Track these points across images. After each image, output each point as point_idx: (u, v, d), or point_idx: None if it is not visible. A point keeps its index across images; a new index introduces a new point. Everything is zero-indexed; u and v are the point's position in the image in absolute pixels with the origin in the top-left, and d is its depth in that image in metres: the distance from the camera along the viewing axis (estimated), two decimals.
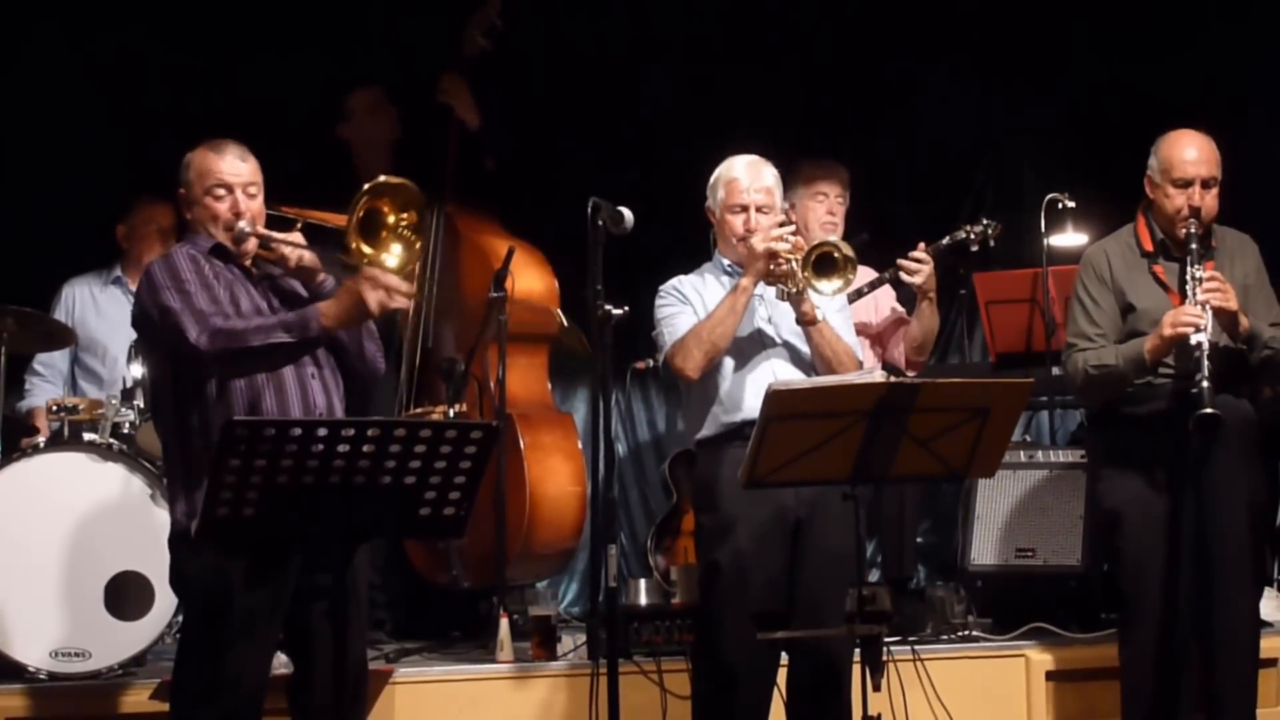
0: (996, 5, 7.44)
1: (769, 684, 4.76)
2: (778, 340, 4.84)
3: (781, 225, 4.81)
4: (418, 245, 4.20)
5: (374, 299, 4.11)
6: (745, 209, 4.85)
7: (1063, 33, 7.63)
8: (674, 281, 4.97)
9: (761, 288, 4.77)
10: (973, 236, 6.01)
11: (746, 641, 4.59)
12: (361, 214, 4.13)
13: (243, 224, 4.24)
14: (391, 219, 4.17)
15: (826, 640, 4.56)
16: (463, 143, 6.35)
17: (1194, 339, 4.71)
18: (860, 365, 4.86)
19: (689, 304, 4.87)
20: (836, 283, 4.68)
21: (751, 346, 4.82)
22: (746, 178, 4.87)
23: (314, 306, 4.17)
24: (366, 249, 4.13)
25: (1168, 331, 4.76)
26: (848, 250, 4.68)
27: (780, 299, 4.75)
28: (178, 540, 4.17)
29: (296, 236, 4.32)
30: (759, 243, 4.71)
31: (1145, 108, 6.95)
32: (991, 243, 6.06)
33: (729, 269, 4.93)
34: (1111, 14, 7.53)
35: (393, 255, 4.17)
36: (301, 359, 4.21)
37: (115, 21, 6.71)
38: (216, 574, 4.04)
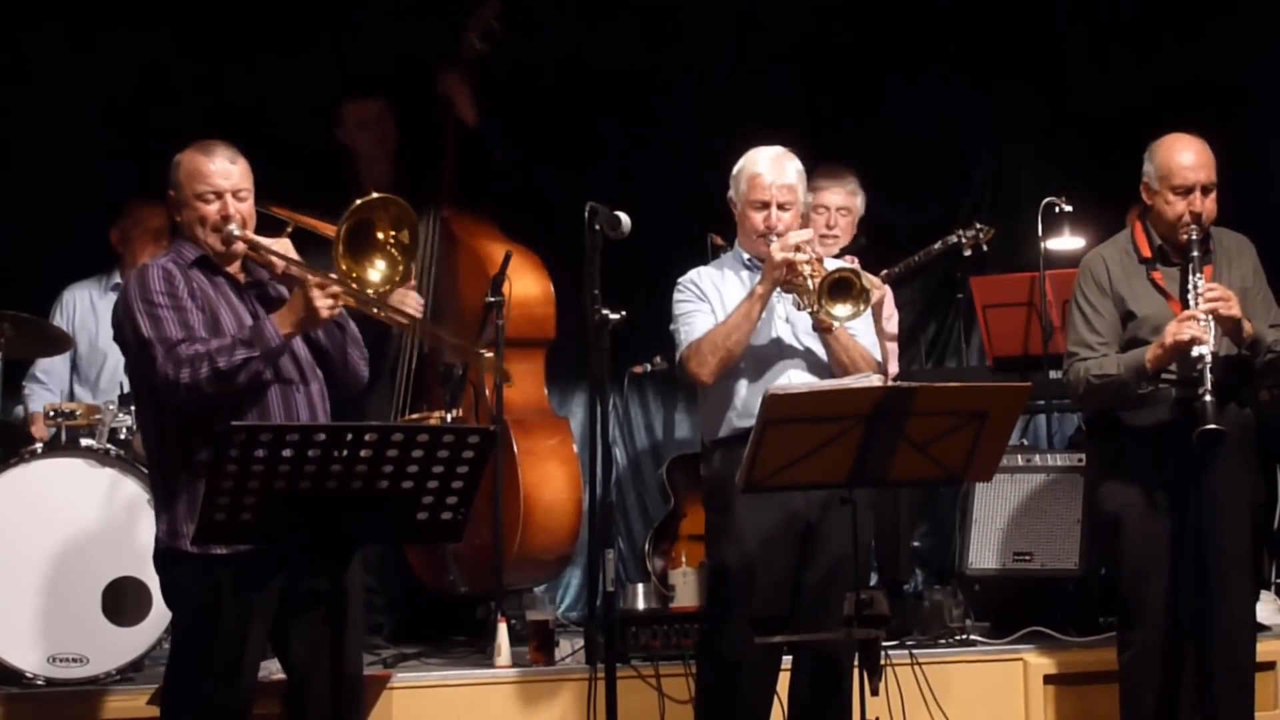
0: (993, 8, 7.44)
1: (770, 685, 4.75)
2: (796, 344, 4.79)
3: (802, 231, 4.74)
4: (401, 265, 4.17)
5: (324, 305, 4.11)
6: (767, 205, 4.77)
7: (1059, 35, 7.63)
8: (693, 275, 4.89)
9: (780, 291, 4.73)
10: (965, 241, 6.05)
11: (749, 642, 4.57)
12: (350, 227, 4.12)
13: (231, 227, 4.20)
14: (381, 235, 4.16)
15: (829, 643, 4.55)
16: (461, 142, 6.34)
17: (1196, 350, 4.68)
18: (879, 367, 4.82)
19: (707, 300, 4.81)
20: (848, 308, 4.60)
21: (769, 351, 4.77)
22: (770, 173, 4.78)
23: (268, 317, 4.15)
24: (349, 264, 4.11)
25: (1169, 341, 4.73)
26: (865, 282, 4.62)
27: (796, 308, 4.71)
28: (161, 557, 4.16)
29: (285, 243, 4.28)
30: (777, 252, 4.65)
31: (1142, 110, 6.95)
32: (984, 247, 6.08)
33: (749, 263, 4.86)
34: (1108, 16, 7.53)
35: (376, 270, 4.16)
36: (286, 374, 4.20)
37: (115, 25, 6.70)
38: (204, 584, 4.04)
